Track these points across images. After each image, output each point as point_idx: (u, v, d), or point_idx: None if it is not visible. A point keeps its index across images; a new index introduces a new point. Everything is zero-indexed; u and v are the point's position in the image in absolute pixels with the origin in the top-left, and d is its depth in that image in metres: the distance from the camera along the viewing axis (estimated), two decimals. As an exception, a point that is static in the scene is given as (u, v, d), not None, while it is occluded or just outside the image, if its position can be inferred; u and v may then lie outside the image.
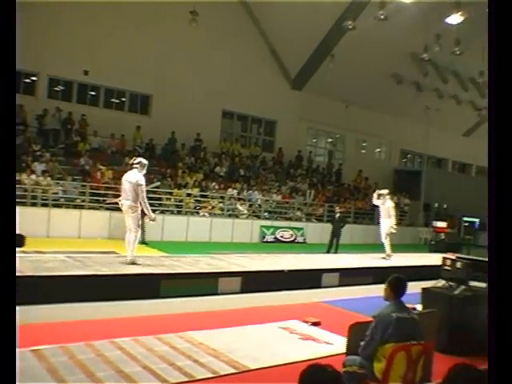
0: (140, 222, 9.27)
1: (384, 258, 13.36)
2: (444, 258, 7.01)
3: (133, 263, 9.13)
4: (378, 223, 14.09)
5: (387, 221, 13.35)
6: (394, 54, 25.79)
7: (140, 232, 9.34)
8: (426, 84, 28.50)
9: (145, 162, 9.36)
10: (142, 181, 9.07)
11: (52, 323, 6.28)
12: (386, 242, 13.46)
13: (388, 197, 13.57)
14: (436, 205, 28.87)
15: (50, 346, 5.28)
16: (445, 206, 28.65)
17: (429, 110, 27.47)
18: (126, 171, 18.09)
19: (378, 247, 18.28)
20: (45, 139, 18.83)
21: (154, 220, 9.42)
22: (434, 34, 21.57)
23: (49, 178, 16.32)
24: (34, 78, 20.14)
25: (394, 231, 13.42)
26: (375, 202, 13.77)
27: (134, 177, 9.06)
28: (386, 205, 13.36)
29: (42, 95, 20.21)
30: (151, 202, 16.06)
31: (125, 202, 9.12)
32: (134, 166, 9.22)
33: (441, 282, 6.95)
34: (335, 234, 16.17)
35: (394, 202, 26.71)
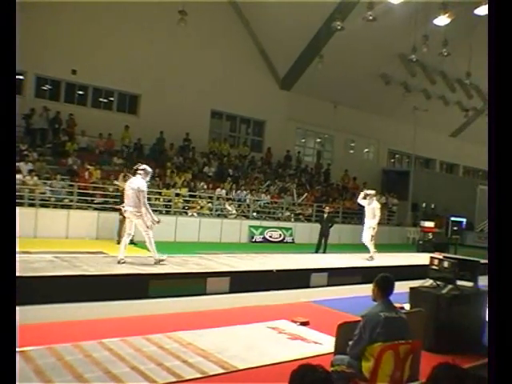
0: (148, 224, 9.35)
1: (369, 259, 13.18)
2: (431, 258, 7.06)
3: (160, 260, 9.47)
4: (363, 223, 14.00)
5: (372, 221, 13.23)
6: (383, 55, 25.95)
7: (151, 232, 9.42)
8: (413, 85, 28.67)
9: (149, 169, 9.56)
10: (144, 187, 9.25)
11: (39, 324, 6.23)
12: (371, 244, 13.31)
13: (375, 197, 13.48)
14: (424, 205, 29.05)
15: (37, 348, 5.24)
16: (432, 205, 28.84)
17: (417, 111, 27.64)
18: (114, 171, 18.22)
19: (366, 247, 18.38)
20: (32, 139, 18.69)
21: (158, 222, 9.55)
22: (422, 35, 21.70)
23: (36, 178, 16.20)
24: (21, 77, 19.96)
25: (373, 232, 13.24)
26: (360, 201, 13.65)
27: (137, 183, 9.23)
28: (371, 205, 13.23)
29: (29, 94, 20.06)
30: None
31: (127, 207, 9.29)
32: (138, 172, 9.36)
33: (428, 282, 7.00)
34: (324, 233, 16.23)
35: (382, 203, 27.04)
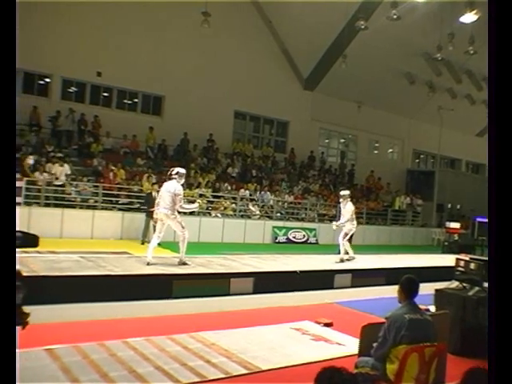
0: (183, 224, 9.75)
1: (347, 260, 12.66)
2: (457, 259, 6.96)
3: (184, 263, 9.72)
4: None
5: (348, 223, 12.71)
6: (407, 54, 25.66)
7: (186, 232, 9.80)
8: (439, 84, 28.30)
9: (182, 171, 9.81)
10: (181, 191, 9.57)
11: (66, 323, 6.32)
12: (346, 244, 12.78)
13: (349, 198, 12.93)
14: (449, 205, 28.69)
15: (64, 346, 5.32)
16: (458, 206, 28.45)
17: (442, 110, 27.32)
18: (139, 172, 18.37)
19: (390, 248, 18.24)
20: (58, 140, 18.97)
21: (198, 205, 10.64)
22: (448, 33, 21.41)
23: (62, 178, 16.46)
24: (47, 80, 20.30)
25: (334, 227, 12.93)
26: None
27: (173, 187, 9.52)
28: (346, 207, 12.75)
29: (55, 96, 20.35)
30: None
31: (162, 209, 9.53)
32: (173, 176, 9.64)
33: (454, 284, 6.91)
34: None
35: (407, 203, 26.75)
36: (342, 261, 12.53)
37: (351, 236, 15.92)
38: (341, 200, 13.00)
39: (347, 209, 12.73)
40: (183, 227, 9.67)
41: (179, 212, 9.75)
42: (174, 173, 9.68)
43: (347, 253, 12.94)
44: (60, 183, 16.34)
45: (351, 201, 13.18)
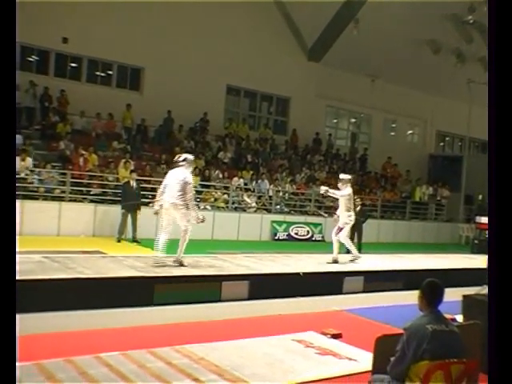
0: (188, 218, 9.93)
1: (350, 260, 12.55)
2: (489, 260, 6.95)
3: (181, 264, 9.90)
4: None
5: (343, 215, 12.37)
6: (431, 17, 25.47)
7: (190, 226, 10.00)
8: (469, 52, 28.20)
9: (191, 157, 10.18)
10: (191, 179, 9.95)
11: (25, 336, 6.28)
12: (347, 241, 12.65)
13: (349, 184, 12.51)
14: (480, 197, 28.72)
15: (23, 364, 5.27)
16: (490, 198, 28.52)
17: (472, 84, 27.20)
18: (114, 157, 18.29)
19: (410, 246, 18.22)
20: (17, 119, 18.87)
21: (202, 221, 10.11)
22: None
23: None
24: (3, 47, 20.11)
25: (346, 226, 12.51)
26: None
27: (182, 174, 9.84)
28: (342, 193, 12.37)
29: (13, 67, 20.18)
30: (144, 192, 16.18)
31: (170, 199, 9.75)
32: (180, 163, 9.98)
33: (486, 289, 6.90)
34: (355, 229, 15.57)
35: (429, 194, 26.71)
36: (335, 261, 12.26)
37: (360, 232, 15.68)
38: (339, 185, 12.58)
39: (342, 193, 12.32)
40: (188, 221, 9.90)
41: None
42: (181, 159, 9.98)
43: (349, 252, 12.87)
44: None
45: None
